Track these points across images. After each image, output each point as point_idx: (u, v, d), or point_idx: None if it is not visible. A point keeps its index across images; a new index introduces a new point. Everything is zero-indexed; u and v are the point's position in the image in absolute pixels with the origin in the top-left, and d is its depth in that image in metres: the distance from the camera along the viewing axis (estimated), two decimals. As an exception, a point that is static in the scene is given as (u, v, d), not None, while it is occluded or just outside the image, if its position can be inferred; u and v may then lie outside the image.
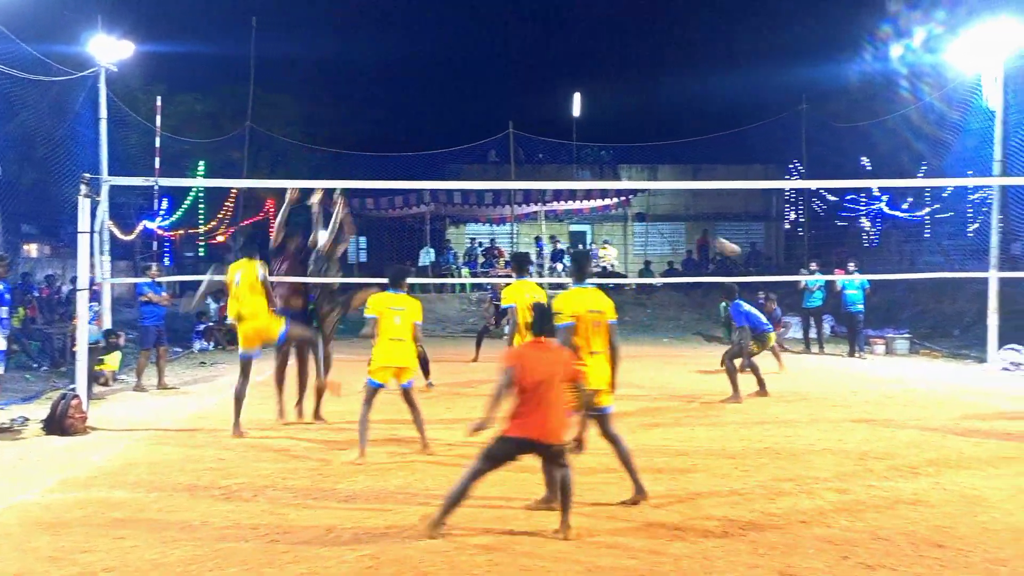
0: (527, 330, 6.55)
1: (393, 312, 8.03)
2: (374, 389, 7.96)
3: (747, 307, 11.79)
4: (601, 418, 6.25)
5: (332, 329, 10.19)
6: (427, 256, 27.52)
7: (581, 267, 6.65)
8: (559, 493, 5.64)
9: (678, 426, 9.54)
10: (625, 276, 28.52)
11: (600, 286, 6.85)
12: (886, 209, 27.33)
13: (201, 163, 26.42)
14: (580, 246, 30.70)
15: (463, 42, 54.00)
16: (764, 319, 11.97)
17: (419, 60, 50.96)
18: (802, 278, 18.08)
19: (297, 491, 6.67)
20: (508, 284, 8.94)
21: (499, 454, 5.56)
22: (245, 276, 9.06)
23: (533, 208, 28.85)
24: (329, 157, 29.76)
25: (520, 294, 8.28)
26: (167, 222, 25.41)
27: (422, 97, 48.57)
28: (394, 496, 6.47)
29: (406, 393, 8.04)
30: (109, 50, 15.17)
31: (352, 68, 41.85)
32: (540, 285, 9.28)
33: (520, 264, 9.27)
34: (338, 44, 45.05)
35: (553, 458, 5.62)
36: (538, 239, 29.11)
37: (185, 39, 28.84)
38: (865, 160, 24.96)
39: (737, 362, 11.56)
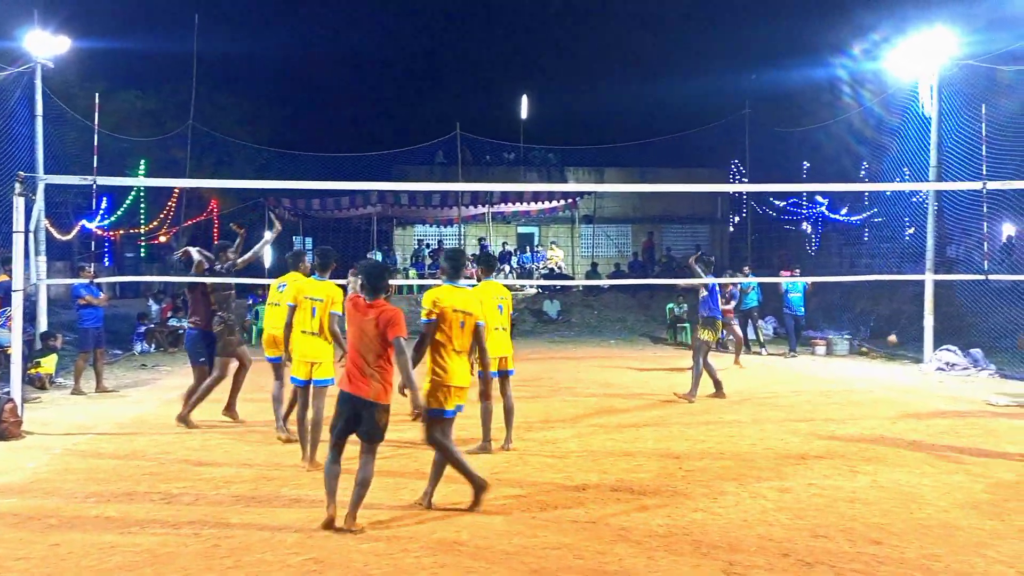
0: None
1: (311, 302, 7.59)
2: (298, 388, 7.69)
3: (718, 288, 12.11)
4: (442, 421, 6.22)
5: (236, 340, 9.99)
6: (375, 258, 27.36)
7: (454, 265, 6.50)
8: (355, 484, 5.70)
9: (624, 427, 9.61)
10: (572, 278, 28.68)
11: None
12: (827, 212, 27.93)
13: (142, 162, 25.91)
14: (528, 248, 30.83)
15: (411, 43, 53.81)
16: (719, 307, 12.17)
17: (366, 61, 50.61)
18: (737, 280, 18.46)
19: (240, 495, 6.58)
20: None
21: (336, 419, 5.77)
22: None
23: (480, 210, 28.84)
24: (274, 157, 29.43)
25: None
26: (106, 222, 24.86)
27: (369, 98, 48.25)
28: (340, 499, 6.39)
29: (316, 390, 7.58)
30: (45, 45, 14.80)
31: (299, 68, 41.58)
32: (508, 287, 9.05)
33: (488, 264, 8.53)
34: (284, 43, 44.63)
35: (369, 426, 5.66)
36: (483, 240, 29.13)
37: (125, 35, 28.36)
38: (807, 170, 25.45)
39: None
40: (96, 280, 12.75)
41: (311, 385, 7.61)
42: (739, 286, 18.34)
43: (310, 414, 7.59)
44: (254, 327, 21.12)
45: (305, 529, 5.68)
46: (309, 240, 32.97)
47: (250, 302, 21.56)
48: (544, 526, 5.73)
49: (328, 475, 5.76)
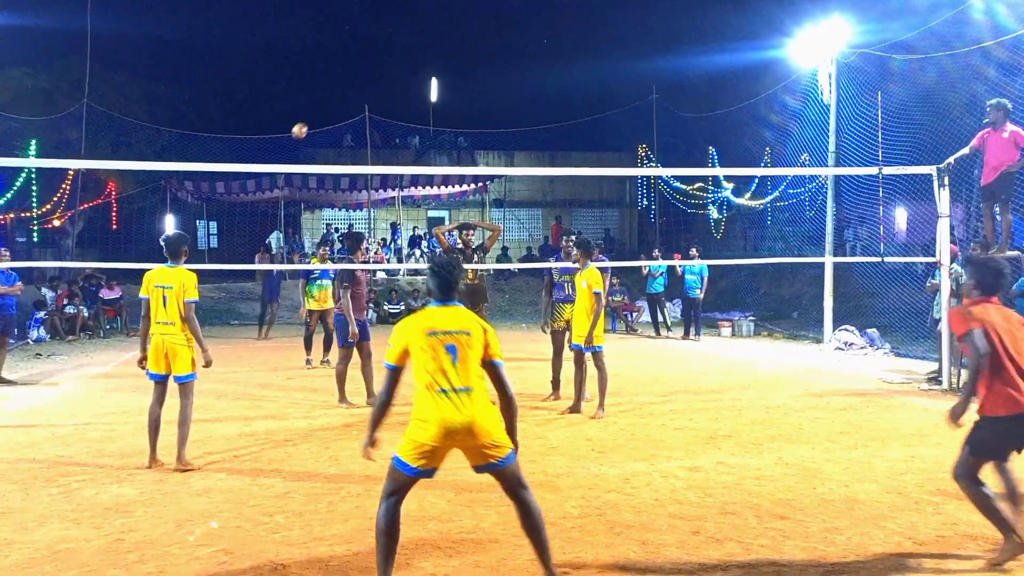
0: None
1: (160, 291, 6.98)
2: (153, 382, 7.08)
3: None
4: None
5: None
6: (276, 241, 26.87)
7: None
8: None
9: (537, 410, 9.67)
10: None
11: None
12: (732, 197, 28.56)
13: (32, 142, 24.71)
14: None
15: (318, 23, 52.73)
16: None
17: (272, 40, 49.34)
18: (645, 263, 18.68)
19: (144, 486, 6.37)
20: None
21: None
22: None
23: (390, 193, 28.59)
24: (176, 138, 28.52)
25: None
26: (-6, 205, 23.74)
27: (275, 79, 47.11)
28: (249, 488, 6.27)
29: (180, 387, 6.98)
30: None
31: (200, 46, 40.17)
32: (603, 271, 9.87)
33: (586, 249, 9.54)
34: (185, 21, 43.08)
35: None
36: (394, 225, 28.91)
37: (12, 9, 26.88)
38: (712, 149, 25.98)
39: None
40: (10, 266, 12.21)
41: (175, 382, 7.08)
42: (648, 269, 18.62)
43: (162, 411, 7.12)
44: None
45: (215, 519, 5.54)
46: (214, 224, 32.17)
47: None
48: (459, 511, 5.72)
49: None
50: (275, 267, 22.57)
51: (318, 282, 13.52)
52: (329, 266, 13.14)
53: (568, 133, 31.62)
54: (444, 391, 4.17)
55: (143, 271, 7.56)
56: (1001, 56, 13.60)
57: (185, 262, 7.26)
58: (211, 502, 5.96)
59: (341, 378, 9.91)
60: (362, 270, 10.25)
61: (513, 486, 4.33)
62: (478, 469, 4.33)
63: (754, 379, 12.13)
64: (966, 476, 4.70)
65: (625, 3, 44.65)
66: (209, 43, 41.16)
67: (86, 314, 19.08)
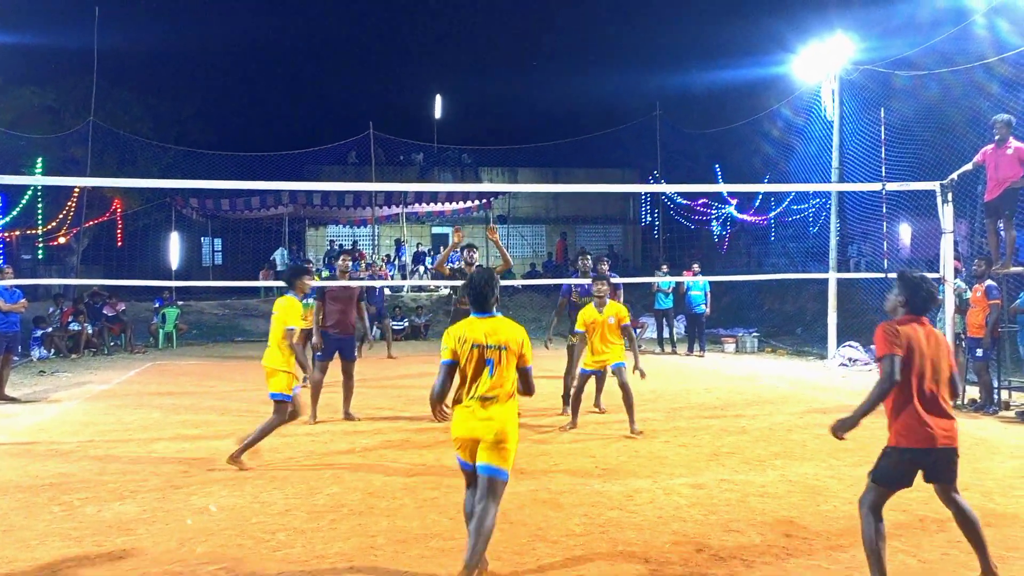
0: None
1: (272, 316, 7.90)
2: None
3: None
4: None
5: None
6: (280, 257, 26.90)
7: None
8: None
9: (541, 428, 9.65)
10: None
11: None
12: (735, 213, 28.59)
13: (39, 160, 24.85)
14: (442, 248, 30.69)
15: (322, 40, 53.02)
16: None
17: (276, 58, 49.64)
18: (656, 279, 18.66)
19: (146, 504, 6.35)
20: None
21: None
22: None
23: (394, 210, 28.64)
24: (181, 156, 28.63)
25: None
26: (1, 222, 23.82)
27: (280, 96, 47.39)
28: (251, 506, 6.25)
29: (273, 402, 7.74)
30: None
31: (205, 64, 40.47)
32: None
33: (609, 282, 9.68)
34: (190, 39, 43.34)
35: None
36: (399, 241, 28.94)
37: (21, 29, 27.06)
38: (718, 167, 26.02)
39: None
40: (14, 283, 12.25)
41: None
42: (657, 285, 18.58)
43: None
44: (161, 331, 20.51)
45: (216, 538, 5.52)
46: (218, 241, 32.26)
47: (156, 305, 20.91)
48: (461, 528, 5.68)
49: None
50: (275, 283, 22.63)
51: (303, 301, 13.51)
52: (316, 282, 13.14)
53: (572, 150, 31.70)
54: (472, 397, 4.73)
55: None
56: (1004, 72, 13.63)
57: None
58: (212, 520, 5.94)
59: (313, 390, 9.88)
60: (341, 286, 10.39)
61: (485, 494, 4.64)
62: (477, 467, 4.72)
63: (758, 396, 12.10)
64: (868, 505, 4.54)
65: (629, 20, 44.89)
66: (214, 61, 41.47)
67: (90, 331, 19.09)
